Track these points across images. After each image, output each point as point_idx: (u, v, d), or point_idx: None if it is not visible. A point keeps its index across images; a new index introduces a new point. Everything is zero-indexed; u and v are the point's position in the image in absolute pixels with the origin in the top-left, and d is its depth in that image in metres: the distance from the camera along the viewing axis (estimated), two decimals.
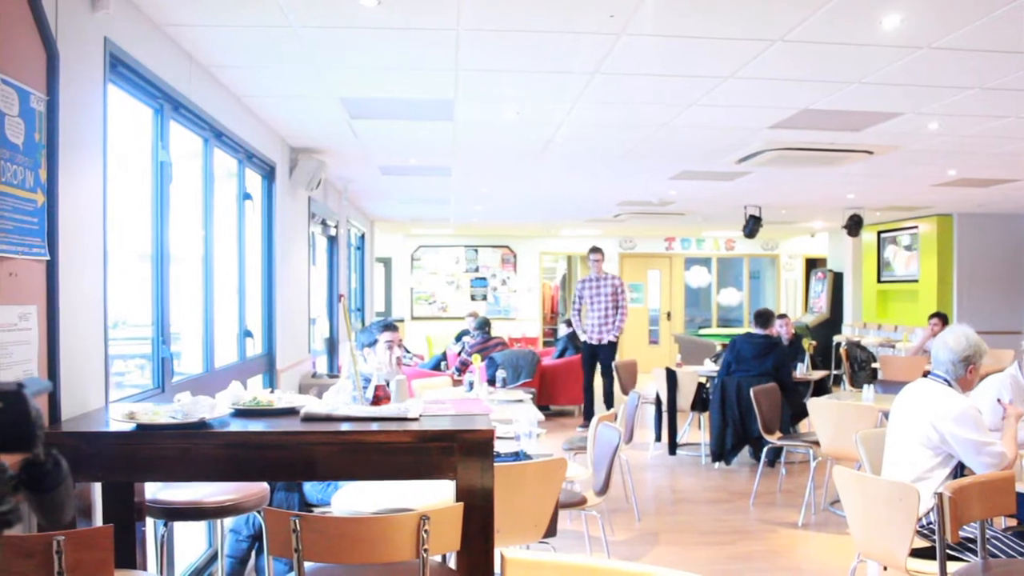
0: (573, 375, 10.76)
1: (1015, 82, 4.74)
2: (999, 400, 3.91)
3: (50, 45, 2.79)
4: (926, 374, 3.91)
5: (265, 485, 3.64)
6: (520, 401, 6.20)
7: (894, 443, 3.79)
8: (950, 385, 3.68)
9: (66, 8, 2.92)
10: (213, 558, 4.62)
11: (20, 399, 1.06)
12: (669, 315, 17.19)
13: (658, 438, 8.47)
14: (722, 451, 7.59)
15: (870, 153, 6.88)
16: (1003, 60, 4.35)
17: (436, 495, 3.24)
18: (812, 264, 17.02)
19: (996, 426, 4.20)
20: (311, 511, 4.02)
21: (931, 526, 3.41)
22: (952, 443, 3.52)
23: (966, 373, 3.69)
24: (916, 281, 12.63)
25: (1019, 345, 4.50)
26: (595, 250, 9.93)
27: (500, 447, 4.13)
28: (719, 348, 10.18)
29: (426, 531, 2.52)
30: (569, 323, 11.82)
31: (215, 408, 2.81)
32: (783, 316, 9.22)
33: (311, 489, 4.19)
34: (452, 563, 3.00)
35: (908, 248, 12.86)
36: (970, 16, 3.71)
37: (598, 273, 9.81)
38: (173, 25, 3.90)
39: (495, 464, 2.75)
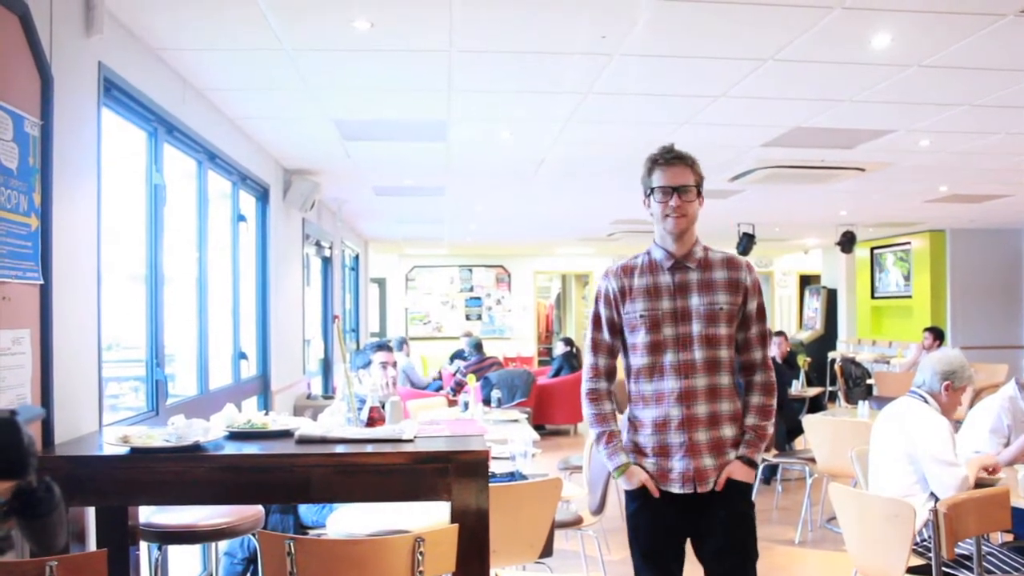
0: (568, 394, 10.73)
1: (1005, 99, 4.78)
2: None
3: (44, 70, 2.80)
4: None
5: (260, 508, 3.62)
6: (515, 421, 6.19)
7: (877, 461, 3.80)
8: (926, 402, 3.68)
9: (61, 33, 2.93)
10: None
11: (13, 426, 1.06)
12: None
13: None
14: None
15: (862, 170, 6.92)
16: (992, 77, 4.39)
17: (431, 517, 3.23)
18: (806, 281, 17.05)
19: (997, 451, 4.15)
20: (306, 533, 4.00)
21: (926, 543, 3.40)
22: (920, 460, 3.52)
23: (942, 390, 3.67)
24: (910, 297, 12.66)
25: (1018, 364, 4.47)
26: (672, 159, 2.94)
27: (495, 467, 4.12)
28: None
29: (421, 553, 2.51)
30: (568, 342, 11.66)
31: (209, 431, 2.80)
32: (780, 333, 9.23)
33: (306, 511, 4.17)
34: None
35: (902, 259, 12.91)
36: (959, 35, 3.75)
37: (677, 232, 2.87)
38: (167, 49, 3.92)
39: (490, 485, 2.74)
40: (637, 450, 2.84)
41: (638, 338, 2.83)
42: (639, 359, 2.83)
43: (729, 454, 2.80)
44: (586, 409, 2.90)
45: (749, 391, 2.89)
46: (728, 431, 2.81)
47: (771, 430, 2.87)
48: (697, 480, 2.77)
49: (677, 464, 2.77)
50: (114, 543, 2.85)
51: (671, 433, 2.78)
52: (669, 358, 2.79)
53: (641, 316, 2.82)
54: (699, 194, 2.92)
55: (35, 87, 2.77)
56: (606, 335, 2.91)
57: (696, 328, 2.79)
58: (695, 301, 2.81)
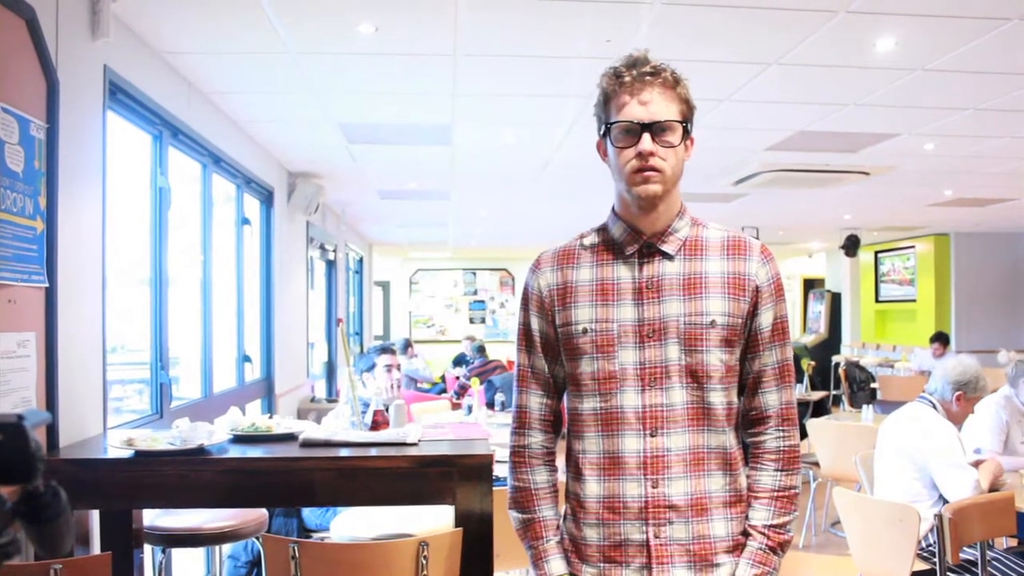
0: None
1: (1008, 103, 4.77)
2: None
3: (50, 73, 2.81)
4: None
5: (264, 511, 3.63)
6: None
7: (883, 466, 3.79)
8: (935, 409, 3.67)
9: (67, 37, 2.94)
10: None
11: (20, 431, 1.06)
12: None
13: None
14: None
15: (866, 174, 6.91)
16: (996, 81, 4.39)
17: (435, 520, 3.23)
18: (810, 284, 17.04)
19: (998, 448, 4.18)
20: (310, 537, 4.00)
21: (931, 548, 3.39)
22: (929, 466, 3.51)
23: (953, 399, 3.65)
24: (914, 301, 12.64)
25: (998, 361, 4.47)
26: (644, 75, 1.86)
27: (499, 471, 4.11)
28: None
29: (425, 557, 2.51)
30: None
31: (213, 434, 2.80)
32: None
33: (310, 515, 4.17)
34: None
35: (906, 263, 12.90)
36: (963, 38, 3.74)
37: (647, 196, 1.82)
38: (172, 53, 3.93)
39: (494, 488, 2.74)
40: (575, 547, 1.78)
41: (580, 367, 1.76)
42: (582, 401, 1.76)
43: (721, 568, 1.72)
44: (508, 478, 1.85)
45: (759, 464, 1.79)
46: (721, 527, 1.73)
47: (791, 533, 1.80)
48: None
49: None
50: (118, 546, 2.85)
51: (626, 524, 1.71)
52: (629, 401, 1.71)
53: (585, 331, 1.75)
54: (687, 133, 1.83)
55: (41, 90, 2.78)
56: (540, 360, 1.83)
57: (673, 353, 1.71)
58: (673, 309, 1.72)
